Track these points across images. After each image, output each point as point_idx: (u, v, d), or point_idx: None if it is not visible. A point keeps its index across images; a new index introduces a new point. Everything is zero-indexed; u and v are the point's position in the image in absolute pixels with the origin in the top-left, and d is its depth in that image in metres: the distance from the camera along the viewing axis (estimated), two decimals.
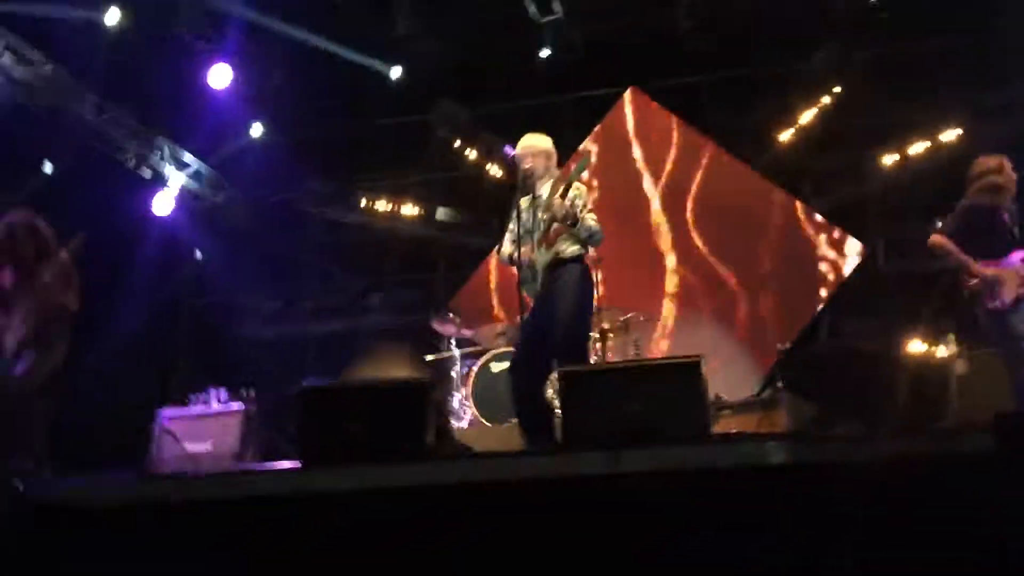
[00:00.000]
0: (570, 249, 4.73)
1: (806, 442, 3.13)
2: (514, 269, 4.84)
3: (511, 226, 4.94)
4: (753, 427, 6.42)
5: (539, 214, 4.81)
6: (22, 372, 5.05)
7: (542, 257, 4.73)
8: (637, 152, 10.12)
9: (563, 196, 4.63)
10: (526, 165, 4.89)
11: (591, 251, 4.90)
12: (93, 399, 7.09)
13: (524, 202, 4.92)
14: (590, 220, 4.68)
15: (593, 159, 9.77)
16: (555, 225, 4.68)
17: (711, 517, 2.97)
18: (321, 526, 3.20)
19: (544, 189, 4.82)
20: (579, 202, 4.68)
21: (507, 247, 4.95)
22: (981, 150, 7.98)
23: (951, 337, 6.27)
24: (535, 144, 4.95)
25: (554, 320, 4.59)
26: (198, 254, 10.17)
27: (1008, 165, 5.06)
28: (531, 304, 4.79)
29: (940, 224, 5.19)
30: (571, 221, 4.59)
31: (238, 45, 8.93)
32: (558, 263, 4.71)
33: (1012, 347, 4.84)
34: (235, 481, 3.46)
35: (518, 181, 4.95)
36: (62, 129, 8.42)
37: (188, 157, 9.75)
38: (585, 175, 4.84)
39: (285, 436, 6.75)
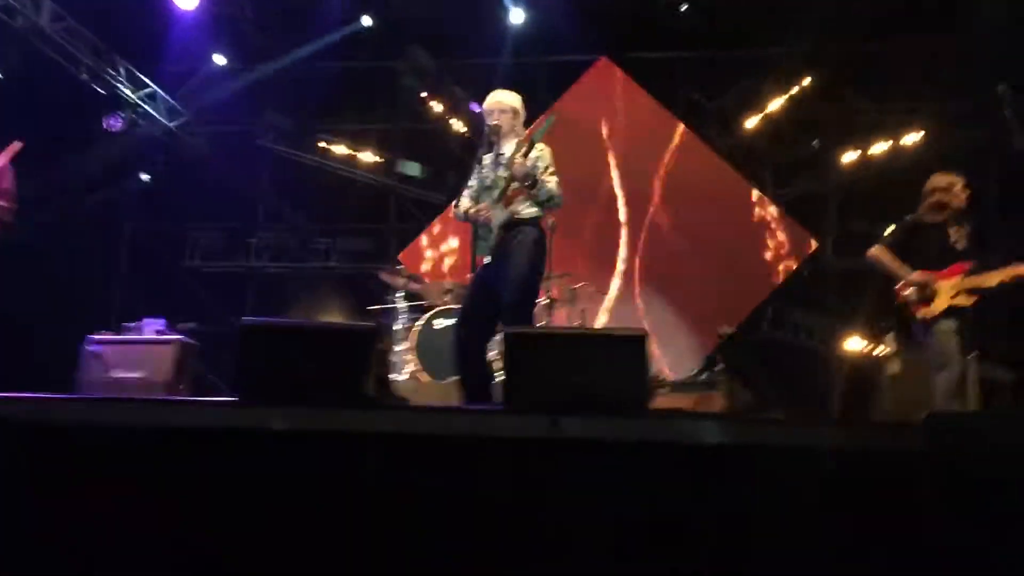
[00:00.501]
0: (527, 211, 4.63)
1: (741, 424, 3.14)
2: (468, 225, 4.77)
3: (470, 182, 4.87)
4: (690, 406, 6.48)
5: (500, 172, 4.71)
6: None
7: (498, 216, 4.63)
8: (603, 122, 10.09)
9: (525, 156, 4.55)
10: (492, 121, 4.77)
11: (548, 215, 4.83)
12: (22, 318, 6.91)
13: (487, 159, 4.83)
14: (551, 183, 4.60)
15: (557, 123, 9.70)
16: (514, 185, 4.60)
17: (642, 490, 2.98)
18: (251, 465, 3.14)
19: (508, 148, 4.71)
20: (541, 164, 4.60)
21: (464, 202, 4.85)
22: (943, 154, 8.16)
23: (889, 337, 6.39)
24: (503, 100, 4.84)
25: (504, 280, 4.51)
26: (144, 177, 9.93)
27: (959, 184, 5.15)
28: (482, 262, 4.71)
29: (884, 234, 5.29)
30: (530, 182, 4.52)
31: None
32: (514, 224, 4.61)
33: (935, 355, 4.95)
34: (163, 410, 3.38)
35: (482, 138, 4.86)
36: (14, 32, 8.11)
37: (145, 79, 9.46)
38: (545, 137, 4.72)
39: (220, 373, 6.64)
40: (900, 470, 2.79)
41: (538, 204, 4.64)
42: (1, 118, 6.29)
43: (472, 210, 4.76)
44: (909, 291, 5.04)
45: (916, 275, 5.01)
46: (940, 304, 4.91)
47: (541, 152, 4.66)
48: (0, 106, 7.58)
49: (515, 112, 4.81)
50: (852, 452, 2.88)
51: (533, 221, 4.66)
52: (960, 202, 5.14)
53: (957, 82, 8.69)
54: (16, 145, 5.19)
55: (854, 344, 8.68)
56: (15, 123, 5.88)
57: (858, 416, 6.38)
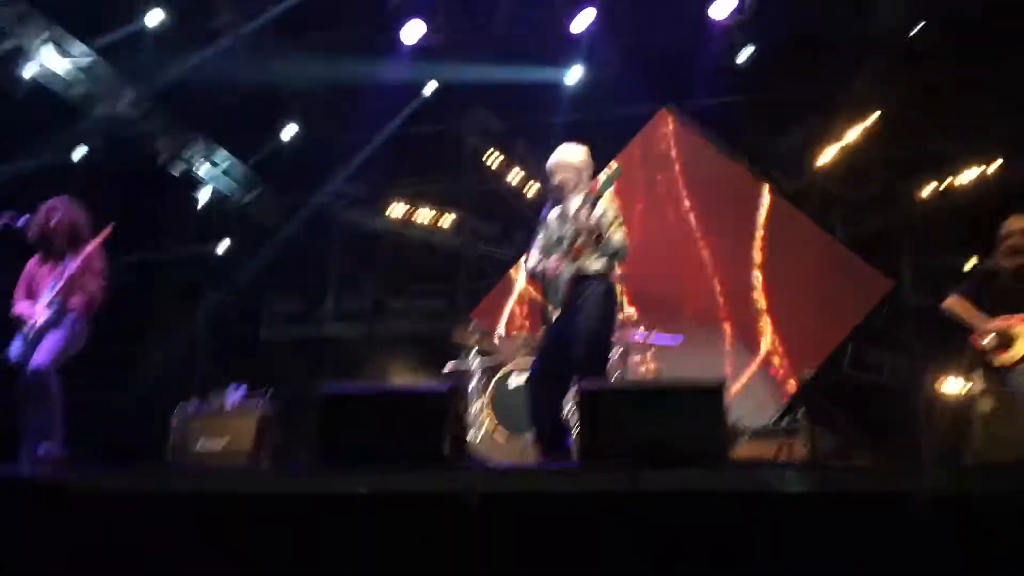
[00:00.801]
0: (595, 265, 4.65)
1: (824, 472, 3.08)
2: (538, 282, 4.82)
3: (538, 238, 4.91)
4: (771, 455, 6.35)
5: (567, 227, 4.74)
6: (42, 358, 5.10)
7: (566, 271, 4.65)
8: (668, 172, 10.09)
9: (590, 210, 4.59)
10: (557, 178, 4.85)
11: (617, 268, 4.84)
12: (115, 389, 7.14)
13: (553, 214, 4.89)
14: (617, 236, 4.62)
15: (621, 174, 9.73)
16: (580, 239, 4.63)
17: (727, 542, 2.94)
18: (334, 529, 3.19)
19: (574, 202, 4.76)
20: (607, 217, 4.63)
21: (533, 259, 4.90)
22: (1016, 184, 7.95)
23: (977, 375, 6.20)
24: (566, 158, 4.90)
25: (575, 335, 4.52)
26: (223, 247, 10.27)
27: None
28: (553, 318, 4.74)
29: (959, 288, 5.21)
30: (596, 236, 4.56)
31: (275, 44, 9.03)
32: (582, 278, 4.64)
33: (1020, 399, 4.83)
34: (250, 479, 3.46)
35: (548, 194, 4.93)
36: (97, 120, 8.54)
37: (220, 155, 9.82)
38: (612, 189, 4.75)
39: (300, 439, 6.76)
40: (995, 515, 2.70)
41: (605, 258, 4.66)
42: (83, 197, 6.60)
43: (540, 266, 4.80)
44: (986, 339, 4.93)
45: (992, 323, 4.91)
46: (1020, 350, 4.81)
47: (607, 205, 4.68)
48: (83, 185, 7.99)
49: (579, 168, 4.86)
50: (944, 498, 2.80)
51: (602, 275, 4.67)
52: None
53: None
54: (108, 229, 5.44)
55: (943, 383, 8.43)
56: (100, 202, 6.18)
57: (952, 457, 6.18)
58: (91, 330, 5.40)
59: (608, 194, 4.71)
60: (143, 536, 3.28)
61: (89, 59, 8.16)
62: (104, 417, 6.79)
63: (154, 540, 3.27)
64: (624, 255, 4.69)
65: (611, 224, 4.64)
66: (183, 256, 9.77)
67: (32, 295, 5.38)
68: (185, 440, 6.19)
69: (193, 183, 9.72)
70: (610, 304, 4.69)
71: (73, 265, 5.27)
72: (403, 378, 9.19)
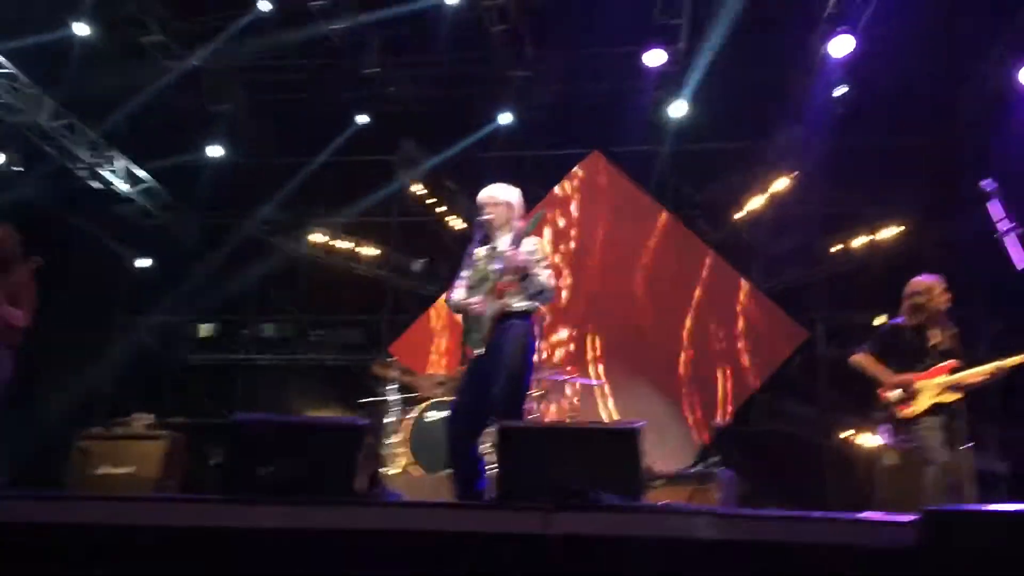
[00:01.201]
0: (519, 303, 4.64)
1: (736, 519, 3.11)
2: (459, 318, 4.79)
3: (463, 273, 4.90)
4: (685, 500, 6.40)
5: (493, 265, 4.72)
6: None
7: (490, 308, 4.63)
8: (589, 212, 10.23)
9: (517, 249, 4.60)
10: (485, 214, 4.82)
11: (541, 308, 4.84)
12: (15, 413, 6.84)
13: (481, 251, 4.87)
14: (542, 276, 4.62)
15: (547, 215, 9.84)
16: (507, 277, 4.61)
17: None
18: (239, 563, 3.09)
19: (502, 241, 4.76)
20: (535, 257, 4.64)
21: (457, 294, 4.85)
22: (925, 246, 8.29)
23: (883, 428, 6.39)
24: (496, 195, 4.89)
25: (495, 374, 4.48)
26: (139, 264, 10.01)
27: (938, 288, 5.28)
28: (472, 354, 4.70)
29: (867, 344, 5.44)
30: (521, 275, 4.56)
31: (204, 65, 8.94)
32: (505, 316, 4.61)
33: (922, 451, 5.04)
34: (153, 508, 3.34)
35: (476, 230, 4.92)
36: (14, 128, 8.30)
37: (141, 173, 9.62)
38: (533, 233, 4.79)
39: (209, 467, 6.57)
40: (893, 567, 2.76)
41: (529, 297, 4.67)
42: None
43: (463, 301, 4.76)
44: (891, 393, 5.15)
45: (896, 378, 5.13)
46: (922, 403, 5.04)
47: (536, 245, 4.70)
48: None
49: (509, 206, 4.85)
50: (844, 548, 2.85)
51: (525, 314, 4.65)
52: (939, 304, 5.26)
53: (941, 177, 8.90)
54: (38, 260, 5.27)
55: (852, 435, 8.65)
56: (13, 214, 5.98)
57: (853, 507, 6.32)
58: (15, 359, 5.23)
59: (537, 239, 4.74)
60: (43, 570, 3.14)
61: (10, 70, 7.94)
62: (9, 443, 6.50)
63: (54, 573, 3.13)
64: (550, 296, 4.69)
65: (538, 264, 4.65)
66: (97, 273, 9.47)
67: None
68: (87, 466, 5.94)
69: (111, 197, 9.47)
70: (530, 344, 4.67)
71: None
72: (320, 409, 9.04)
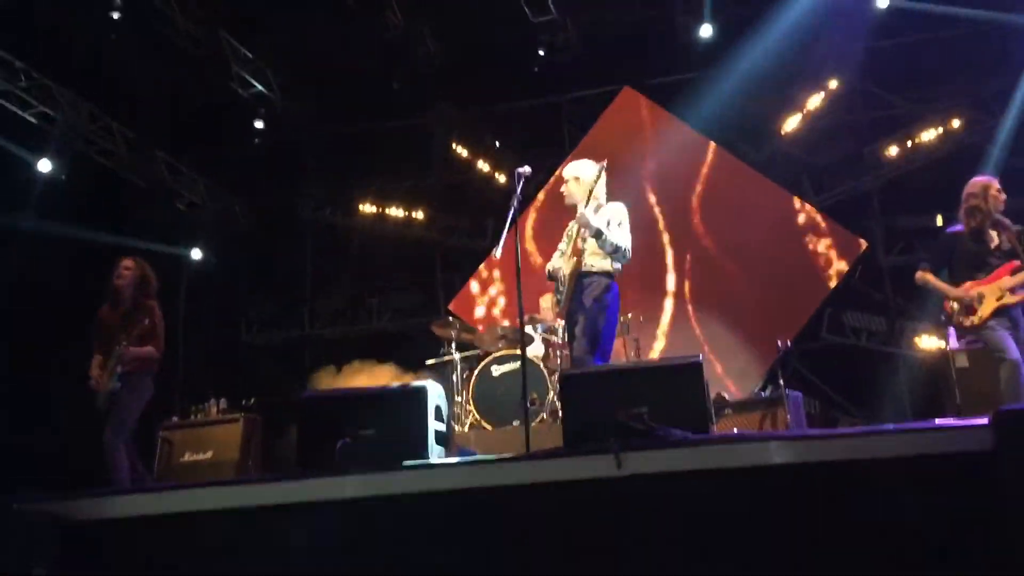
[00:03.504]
0: (597, 263, 4.86)
1: (807, 441, 3.10)
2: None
3: (560, 245, 5.13)
4: (755, 426, 6.39)
5: (572, 228, 4.99)
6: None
7: (569, 267, 4.88)
8: (634, 151, 10.09)
9: (594, 211, 4.85)
10: (567, 188, 5.06)
11: (618, 266, 4.96)
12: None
13: (572, 223, 5.07)
14: (617, 236, 4.81)
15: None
16: (581, 236, 4.84)
17: (714, 520, 2.95)
18: (323, 533, 3.19)
19: (581, 207, 4.93)
20: (611, 219, 4.87)
21: (552, 262, 5.13)
22: (983, 140, 8.05)
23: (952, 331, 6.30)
24: (568, 171, 5.12)
25: (578, 331, 4.78)
26: (196, 255, 10.21)
27: (993, 188, 5.17)
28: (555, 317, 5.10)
29: (927, 257, 5.37)
30: (594, 233, 4.73)
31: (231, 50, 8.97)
32: (583, 274, 4.85)
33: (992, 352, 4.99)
34: (235, 491, 3.45)
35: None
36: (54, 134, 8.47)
37: (184, 166, 9.76)
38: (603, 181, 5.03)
39: (286, 444, 6.74)
40: (973, 472, 2.73)
41: (607, 255, 4.85)
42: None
43: (550, 265, 5.09)
44: (955, 304, 5.09)
45: (958, 290, 5.06)
46: (985, 310, 4.98)
47: (613, 208, 4.97)
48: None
49: (576, 179, 5.06)
50: (921, 458, 2.83)
51: (603, 273, 4.87)
52: (996, 205, 5.13)
53: (991, 67, 8.58)
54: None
55: (917, 341, 8.52)
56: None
57: (929, 414, 6.26)
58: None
59: (615, 204, 5.01)
60: (138, 558, 3.28)
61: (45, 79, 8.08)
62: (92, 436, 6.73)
63: (150, 560, 3.27)
64: (626, 255, 4.89)
65: (614, 224, 4.86)
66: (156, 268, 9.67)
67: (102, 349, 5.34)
68: (172, 455, 6.16)
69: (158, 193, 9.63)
70: (610, 299, 4.85)
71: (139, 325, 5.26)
72: (386, 376, 9.18)
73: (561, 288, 4.94)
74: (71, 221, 8.05)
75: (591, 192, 4.96)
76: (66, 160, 8.54)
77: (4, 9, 7.42)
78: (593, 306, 4.77)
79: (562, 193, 5.11)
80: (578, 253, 4.85)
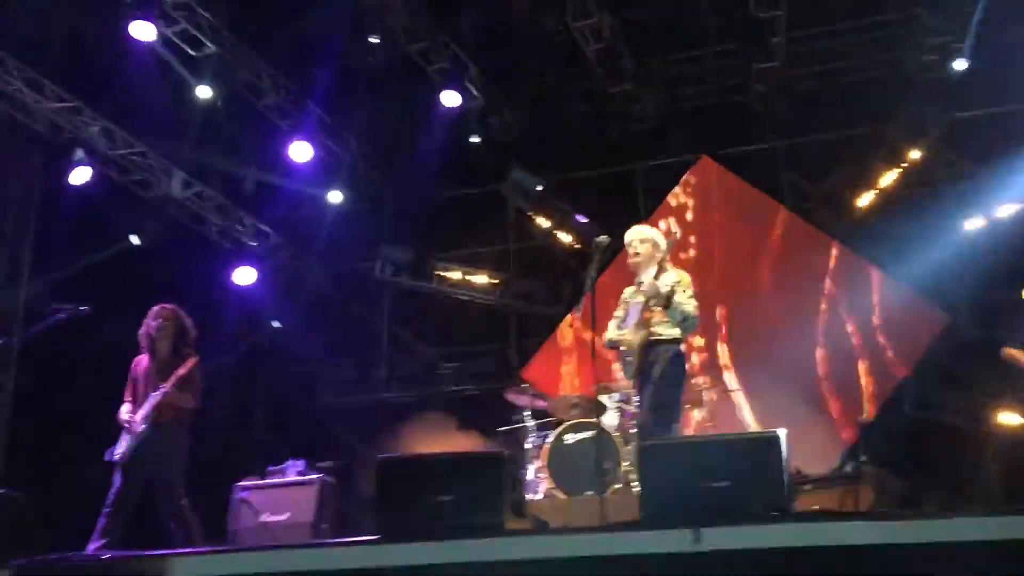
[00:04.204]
0: (665, 332, 4.86)
1: (892, 520, 3.02)
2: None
3: (617, 313, 5.12)
4: (836, 504, 6.21)
5: (639, 297, 4.97)
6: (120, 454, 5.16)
7: (638, 337, 4.85)
8: (705, 218, 10.07)
9: (656, 278, 4.84)
10: (632, 252, 5.05)
11: (686, 334, 4.96)
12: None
13: (629, 289, 5.10)
14: (685, 304, 4.79)
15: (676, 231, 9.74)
16: (651, 303, 4.83)
17: None
18: None
19: (647, 275, 4.96)
20: (678, 287, 4.84)
21: (609, 332, 5.11)
22: None
23: None
24: (642, 232, 5.11)
25: (645, 401, 4.82)
26: (275, 324, 10.40)
27: None
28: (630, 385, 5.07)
29: (1015, 334, 5.21)
30: (663, 303, 4.72)
31: (316, 118, 9.31)
32: (652, 344, 4.84)
33: None
34: (312, 554, 3.48)
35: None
36: (148, 203, 8.78)
37: (268, 228, 10.05)
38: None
39: (361, 506, 6.79)
40: None
41: (675, 326, 4.85)
42: (142, 282, 6.75)
43: (615, 336, 5.04)
44: None
45: None
46: None
47: (680, 277, 4.94)
48: (139, 270, 8.23)
49: (654, 244, 5.05)
50: (1012, 543, 2.72)
51: (672, 341, 4.86)
52: None
53: None
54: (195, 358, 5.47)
55: (1005, 418, 8.19)
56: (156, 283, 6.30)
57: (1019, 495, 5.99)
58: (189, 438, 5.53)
59: (680, 271, 5.01)
60: None
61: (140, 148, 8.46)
62: None
63: None
64: (694, 323, 4.89)
65: (681, 293, 4.83)
66: (239, 332, 9.91)
67: (136, 397, 5.35)
68: (246, 516, 6.24)
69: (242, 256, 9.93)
70: (677, 369, 4.86)
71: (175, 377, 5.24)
72: (459, 442, 9.19)
73: (628, 359, 4.92)
74: None
75: (660, 261, 4.96)
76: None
77: None
78: (661, 376, 4.77)
79: (626, 260, 5.10)
80: (647, 324, 4.85)
